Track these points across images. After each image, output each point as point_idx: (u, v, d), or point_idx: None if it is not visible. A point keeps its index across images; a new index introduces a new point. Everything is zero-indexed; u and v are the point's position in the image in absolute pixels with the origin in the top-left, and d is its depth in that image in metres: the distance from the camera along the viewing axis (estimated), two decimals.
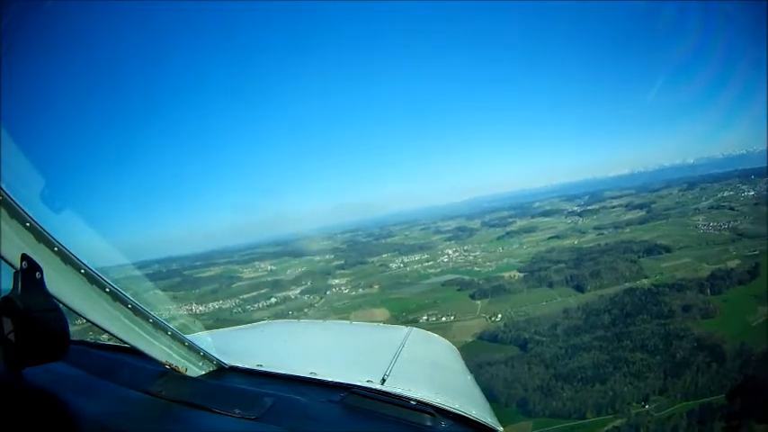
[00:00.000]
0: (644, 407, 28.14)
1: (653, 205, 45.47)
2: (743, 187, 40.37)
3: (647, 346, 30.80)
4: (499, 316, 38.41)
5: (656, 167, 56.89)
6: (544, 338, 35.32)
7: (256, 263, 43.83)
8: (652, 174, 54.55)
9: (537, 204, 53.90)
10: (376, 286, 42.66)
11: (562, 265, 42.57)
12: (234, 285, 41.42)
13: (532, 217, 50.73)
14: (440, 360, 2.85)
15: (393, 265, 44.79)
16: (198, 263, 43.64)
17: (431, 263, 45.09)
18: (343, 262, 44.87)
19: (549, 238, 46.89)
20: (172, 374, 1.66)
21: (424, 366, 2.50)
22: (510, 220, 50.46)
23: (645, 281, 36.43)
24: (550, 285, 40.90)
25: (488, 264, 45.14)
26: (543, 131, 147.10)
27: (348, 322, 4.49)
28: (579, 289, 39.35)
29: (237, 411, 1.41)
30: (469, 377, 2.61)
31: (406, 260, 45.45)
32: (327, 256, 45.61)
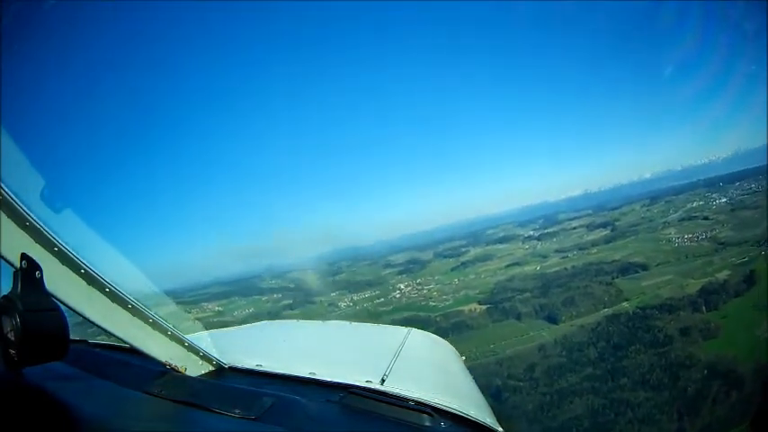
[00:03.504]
0: None
1: (617, 223, 45.22)
2: (713, 196, 40.56)
3: (650, 381, 28.76)
4: (463, 358, 32.79)
5: (610, 186, 57.99)
6: (521, 383, 31.71)
7: (203, 304, 42.37)
8: (607, 192, 55.41)
9: (490, 231, 52.50)
10: None
11: (527, 294, 40.46)
12: None
13: (487, 244, 49.36)
14: (439, 361, 2.94)
15: (342, 305, 43.50)
16: None
17: (382, 299, 43.52)
18: (291, 302, 43.55)
19: (508, 265, 45.15)
20: (171, 374, 1.72)
21: (423, 367, 2.58)
22: (463, 249, 48.94)
23: (626, 304, 34.75)
24: (518, 317, 38.29)
25: (445, 297, 43.11)
26: (489, 156, 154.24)
27: (347, 322, 3.99)
28: (552, 320, 36.91)
29: (237, 411, 1.45)
30: (469, 378, 2.69)
31: (355, 298, 44.11)
32: (275, 296, 44.57)
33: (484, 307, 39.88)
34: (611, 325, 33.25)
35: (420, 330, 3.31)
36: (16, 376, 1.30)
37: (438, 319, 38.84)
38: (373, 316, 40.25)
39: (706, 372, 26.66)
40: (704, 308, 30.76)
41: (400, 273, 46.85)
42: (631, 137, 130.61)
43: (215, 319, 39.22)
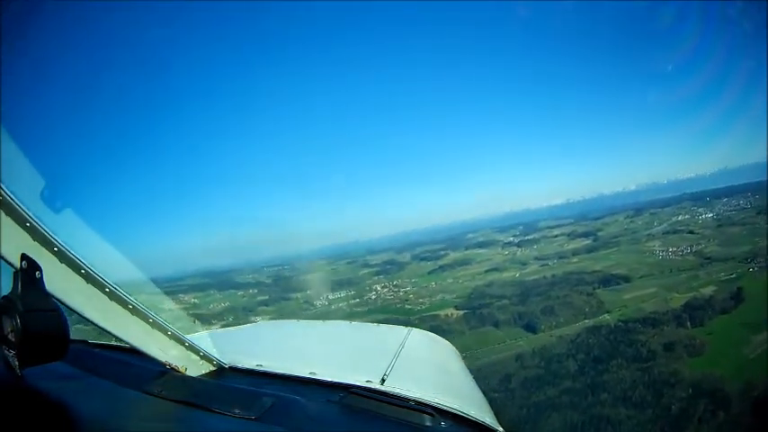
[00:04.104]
0: None
1: (599, 233, 45.13)
2: (699, 210, 40.32)
3: (632, 398, 27.61)
4: None
5: (594, 196, 57.94)
6: (496, 395, 29.98)
7: (180, 295, 41.39)
8: (590, 202, 55.13)
9: (469, 236, 52.26)
10: None
11: (506, 301, 39.61)
12: None
13: (466, 249, 48.94)
14: (440, 360, 2.95)
15: (318, 303, 42.89)
16: None
17: (357, 300, 43.08)
18: (267, 297, 43.47)
19: (487, 270, 44.60)
20: (171, 374, 1.73)
21: (423, 366, 2.60)
22: (442, 252, 48.55)
23: (607, 316, 34.33)
24: (496, 325, 37.25)
25: (421, 300, 42.50)
26: (472, 161, 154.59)
27: (347, 322, 4.02)
28: (531, 329, 35.95)
29: (237, 411, 1.47)
30: (469, 378, 2.70)
31: (331, 297, 43.46)
32: (252, 291, 44.55)
33: (461, 312, 39.28)
34: (592, 337, 32.62)
35: (420, 330, 3.33)
36: (16, 376, 1.30)
37: (414, 321, 36.94)
38: (348, 316, 38.90)
39: (691, 390, 25.88)
40: (689, 323, 30.30)
41: (377, 273, 46.59)
42: (617, 147, 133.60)
43: (190, 312, 38.23)
